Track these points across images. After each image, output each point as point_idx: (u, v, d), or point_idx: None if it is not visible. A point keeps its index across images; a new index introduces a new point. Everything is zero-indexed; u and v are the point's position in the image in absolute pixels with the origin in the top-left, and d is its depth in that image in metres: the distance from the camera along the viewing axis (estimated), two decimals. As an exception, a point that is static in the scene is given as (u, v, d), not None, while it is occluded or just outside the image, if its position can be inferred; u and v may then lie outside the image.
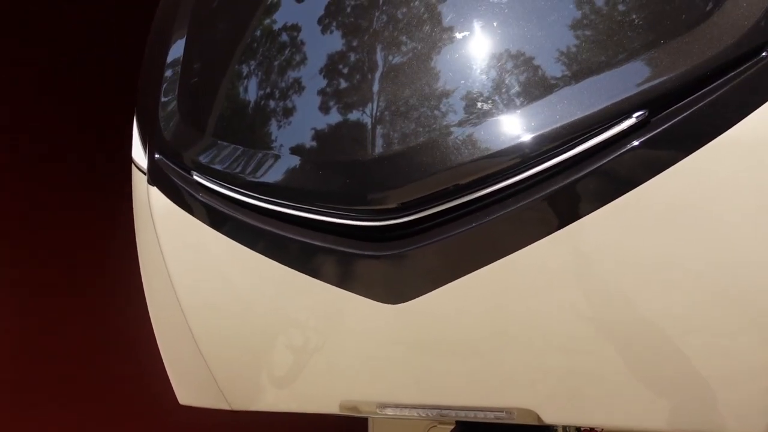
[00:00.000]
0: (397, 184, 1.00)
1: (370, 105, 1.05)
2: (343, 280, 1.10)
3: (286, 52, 1.21)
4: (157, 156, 1.35)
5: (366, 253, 1.07)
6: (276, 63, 1.21)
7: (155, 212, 1.34)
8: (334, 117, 1.09)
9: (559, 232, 0.96)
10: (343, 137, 1.07)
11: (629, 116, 0.90)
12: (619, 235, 0.95)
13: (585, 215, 0.94)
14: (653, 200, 0.92)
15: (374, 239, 1.07)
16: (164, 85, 1.39)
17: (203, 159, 1.22)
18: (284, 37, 1.22)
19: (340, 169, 1.05)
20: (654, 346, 0.99)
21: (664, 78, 0.89)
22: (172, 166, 1.31)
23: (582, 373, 1.04)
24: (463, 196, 0.99)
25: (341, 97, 1.09)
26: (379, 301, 1.08)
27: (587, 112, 0.91)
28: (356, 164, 1.03)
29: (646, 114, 0.89)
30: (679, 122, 0.89)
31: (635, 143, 0.91)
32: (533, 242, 0.97)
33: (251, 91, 1.22)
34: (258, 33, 1.28)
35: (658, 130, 0.90)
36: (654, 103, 0.90)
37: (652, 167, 0.91)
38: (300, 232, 1.12)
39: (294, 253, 1.13)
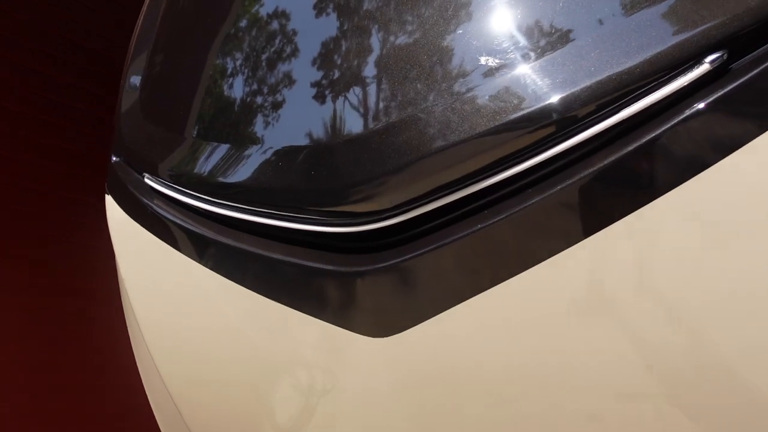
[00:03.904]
0: (378, 175, 0.75)
1: (343, 82, 0.81)
2: (316, 307, 0.84)
3: (250, 38, 1.00)
4: (113, 159, 1.14)
5: (343, 269, 0.82)
6: (239, 49, 1.00)
7: (111, 226, 1.13)
8: (302, 100, 0.85)
9: (600, 232, 0.68)
10: (313, 123, 0.83)
11: (699, 62, 0.62)
12: (683, 238, 0.66)
13: (637, 209, 0.66)
14: (735, 187, 0.64)
15: (356, 251, 0.82)
16: (128, 80, 1.20)
17: (154, 157, 1.00)
18: (248, 24, 1.02)
19: (307, 161, 0.81)
20: (742, 388, 0.69)
21: (751, 6, 0.61)
22: (128, 168, 1.10)
23: (635, 424, 0.75)
24: (467, 187, 0.73)
25: (310, 79, 0.86)
26: (363, 333, 0.82)
27: (636, 61, 0.64)
28: (327, 151, 0.79)
29: (724, 57, 0.62)
30: None
31: (707, 102, 0.63)
32: (566, 248, 0.70)
33: (209, 80, 1.01)
34: (222, 21, 1.08)
35: (740, 81, 0.62)
36: (735, 42, 0.62)
37: (731, 139, 0.63)
38: (257, 242, 0.87)
39: (252, 270, 0.88)
